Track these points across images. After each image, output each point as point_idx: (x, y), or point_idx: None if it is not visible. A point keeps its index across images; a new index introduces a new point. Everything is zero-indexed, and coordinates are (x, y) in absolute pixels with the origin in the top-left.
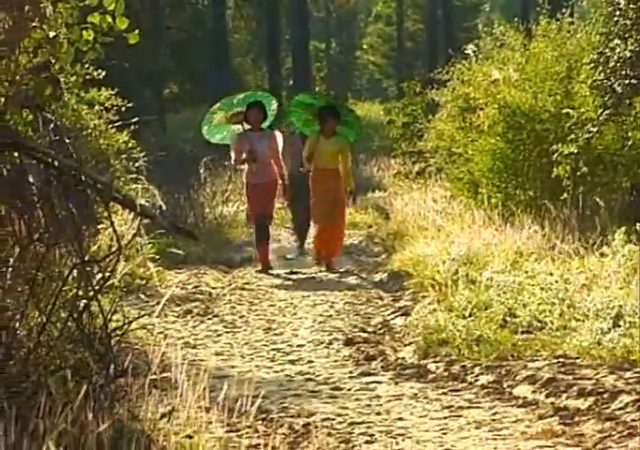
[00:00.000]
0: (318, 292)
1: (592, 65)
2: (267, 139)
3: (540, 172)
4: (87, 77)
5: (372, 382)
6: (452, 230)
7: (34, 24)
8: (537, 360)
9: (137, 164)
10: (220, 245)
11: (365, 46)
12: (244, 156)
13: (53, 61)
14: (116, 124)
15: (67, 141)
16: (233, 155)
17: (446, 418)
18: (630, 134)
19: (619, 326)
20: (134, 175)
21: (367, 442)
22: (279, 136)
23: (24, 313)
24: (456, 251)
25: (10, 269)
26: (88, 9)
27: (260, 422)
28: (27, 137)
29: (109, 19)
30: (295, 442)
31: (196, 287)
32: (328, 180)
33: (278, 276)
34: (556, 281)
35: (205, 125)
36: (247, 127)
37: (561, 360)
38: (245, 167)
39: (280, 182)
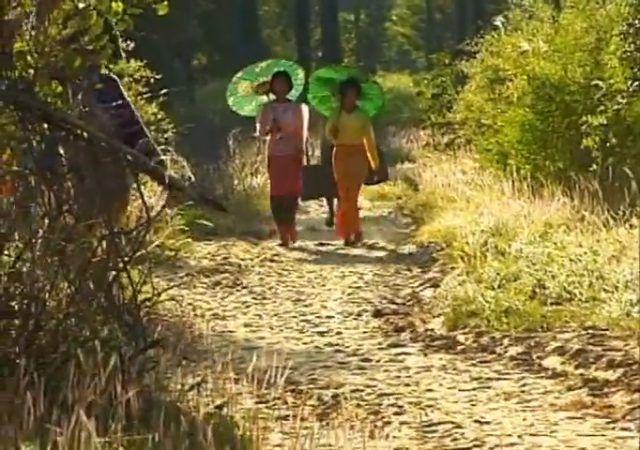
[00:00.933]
0: (347, 264)
1: (622, 36)
2: (292, 111)
3: (569, 144)
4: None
5: (400, 354)
6: (481, 201)
7: None
8: (566, 331)
9: (166, 135)
10: (250, 216)
11: (394, 17)
12: (268, 127)
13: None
14: (145, 95)
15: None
16: (258, 126)
17: (475, 389)
18: None
19: None
20: (163, 147)
21: (396, 413)
22: (305, 109)
23: (54, 284)
24: (485, 223)
25: (40, 240)
26: None
27: (289, 393)
28: (57, 108)
29: None
30: (324, 414)
31: (225, 258)
32: (352, 156)
33: (306, 248)
34: (585, 253)
35: (231, 96)
36: (272, 97)
37: (590, 331)
38: (267, 138)
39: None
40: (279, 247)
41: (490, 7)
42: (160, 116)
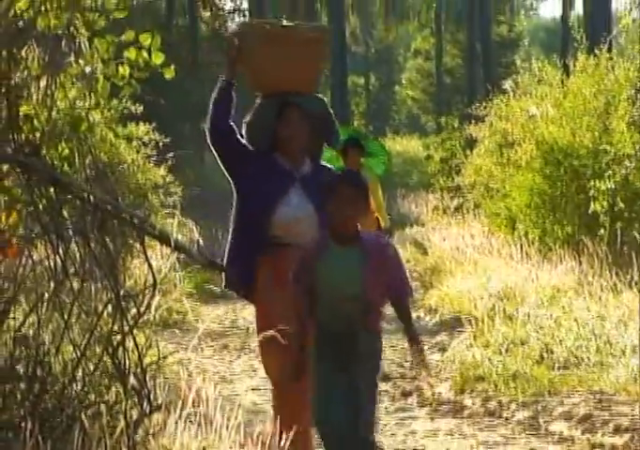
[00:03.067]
0: None
1: (629, 100)
2: None
3: (577, 208)
4: (125, 112)
5: (408, 418)
6: (490, 265)
7: (70, 60)
8: (573, 396)
9: (174, 198)
10: None
11: (404, 81)
12: None
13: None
14: (154, 159)
15: (103, 176)
16: None
17: None
18: None
19: None
20: (171, 210)
21: None
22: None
23: (59, 348)
24: (493, 287)
25: (46, 304)
26: (124, 45)
27: None
28: (63, 172)
29: (145, 54)
30: None
31: (233, 322)
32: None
33: None
34: (593, 317)
35: None
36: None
37: (597, 396)
38: None
39: None
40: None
41: (500, 70)
42: (168, 179)
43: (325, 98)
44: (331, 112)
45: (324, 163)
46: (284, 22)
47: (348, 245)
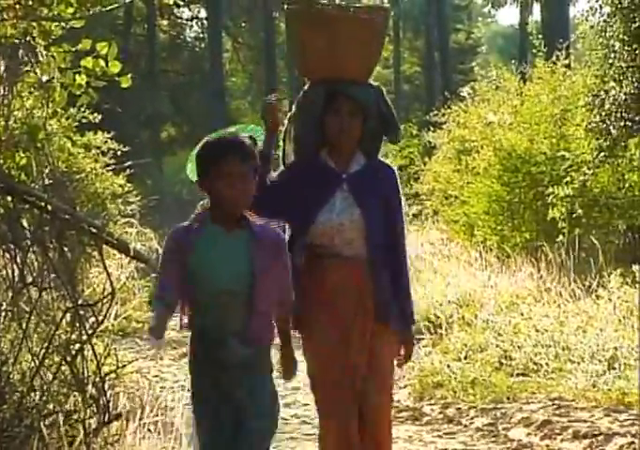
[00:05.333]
0: None
1: (587, 107)
2: None
3: (535, 215)
4: (83, 121)
5: None
6: (449, 272)
7: (27, 69)
8: (532, 402)
9: (132, 207)
10: None
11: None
12: None
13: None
14: (112, 167)
15: (61, 185)
16: None
17: None
18: (625, 176)
19: (614, 369)
20: (129, 219)
21: None
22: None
23: (18, 357)
24: (452, 293)
25: (4, 313)
26: (81, 53)
27: None
28: (21, 181)
29: (102, 63)
30: None
31: None
32: None
33: None
34: (552, 324)
35: (190, 162)
36: None
37: (556, 402)
38: None
39: None
40: None
41: (458, 77)
42: (126, 188)
43: (382, 88)
44: (389, 102)
45: (382, 159)
46: (337, 2)
47: (235, 228)
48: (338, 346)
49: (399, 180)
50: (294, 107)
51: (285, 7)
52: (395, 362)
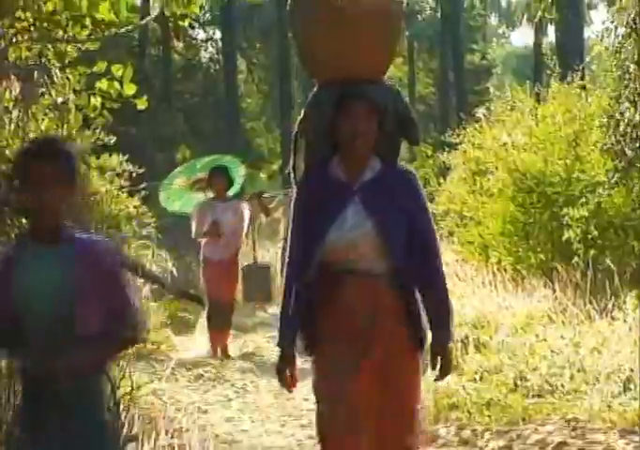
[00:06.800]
0: None
1: (602, 128)
2: (233, 210)
3: (550, 236)
4: (98, 142)
5: None
6: (464, 293)
7: (42, 91)
8: (547, 424)
9: (148, 229)
10: None
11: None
12: (205, 227)
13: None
14: (127, 189)
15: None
16: (193, 226)
17: None
18: None
19: (630, 390)
20: (144, 241)
21: None
22: (246, 208)
23: None
24: (467, 314)
25: None
26: (96, 75)
27: None
28: None
29: (117, 85)
30: None
31: (207, 351)
32: None
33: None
34: (567, 345)
35: (164, 190)
36: (210, 195)
37: (572, 424)
38: (204, 241)
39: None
40: (211, 358)
41: (473, 98)
42: (141, 210)
43: (397, 88)
44: (406, 102)
45: (403, 166)
46: None
47: (51, 242)
48: (349, 373)
49: (420, 185)
50: (302, 112)
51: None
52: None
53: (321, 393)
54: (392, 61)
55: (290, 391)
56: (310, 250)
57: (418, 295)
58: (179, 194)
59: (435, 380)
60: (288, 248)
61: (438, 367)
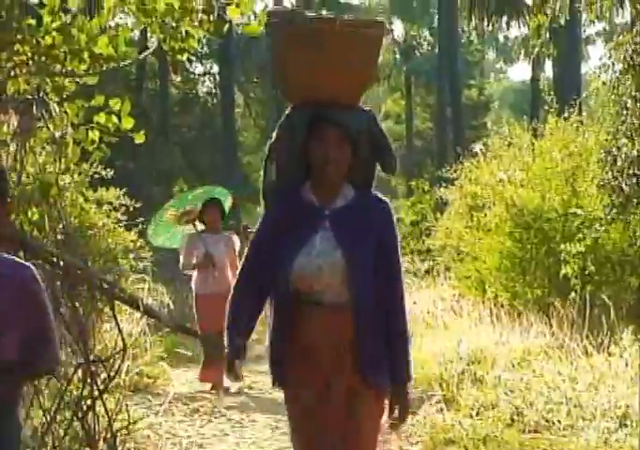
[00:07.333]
0: None
1: (599, 164)
2: (224, 242)
3: (547, 271)
4: (95, 176)
5: None
6: (460, 328)
7: (40, 124)
8: None
9: (145, 263)
10: None
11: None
12: (196, 260)
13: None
14: (124, 223)
15: (73, 240)
16: (182, 259)
17: None
18: (637, 233)
19: (626, 426)
20: (141, 274)
21: None
22: (236, 240)
23: (29, 413)
24: (464, 350)
25: None
26: (94, 109)
27: None
28: (33, 236)
29: (115, 119)
30: None
31: (204, 385)
32: None
33: None
34: (564, 380)
35: (152, 224)
36: (200, 227)
37: None
38: (194, 273)
39: None
40: (207, 393)
41: (470, 133)
42: (139, 244)
43: (374, 113)
44: (383, 129)
45: (376, 194)
46: (324, 14)
47: None
48: (315, 405)
49: (394, 215)
50: (274, 134)
51: (268, 20)
52: (387, 423)
53: (298, 442)
54: (369, 86)
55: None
56: (277, 274)
57: (380, 329)
58: (166, 228)
59: (391, 427)
60: (243, 258)
61: (396, 412)
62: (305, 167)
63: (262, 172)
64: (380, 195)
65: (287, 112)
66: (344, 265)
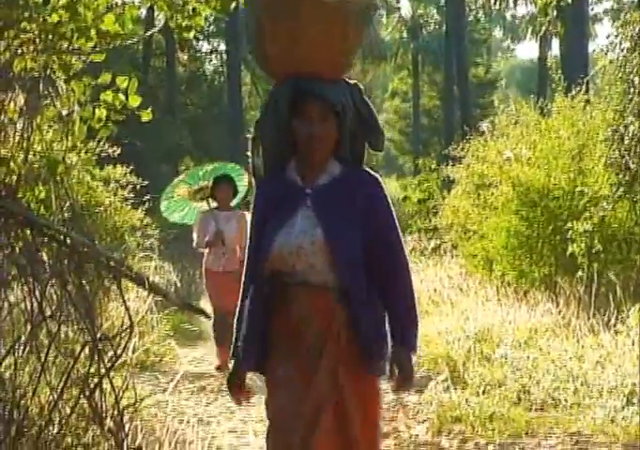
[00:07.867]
0: None
1: (606, 142)
2: (236, 220)
3: (554, 250)
4: (102, 154)
5: None
6: (467, 306)
7: (47, 102)
8: (550, 438)
9: (151, 241)
10: None
11: (381, 122)
12: (207, 237)
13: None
14: (132, 201)
15: (80, 218)
16: (195, 236)
17: None
18: None
19: (633, 404)
20: (148, 253)
21: None
22: (248, 217)
23: (36, 390)
24: (470, 328)
25: (22, 346)
26: (101, 87)
27: None
28: (40, 214)
29: (121, 97)
30: None
31: (211, 363)
32: None
33: None
34: (570, 358)
35: (165, 200)
36: (213, 204)
37: (575, 437)
38: (206, 251)
39: None
40: (216, 370)
41: (477, 111)
42: (145, 222)
43: (361, 86)
44: (369, 103)
45: (364, 168)
46: None
47: None
48: (298, 390)
49: (384, 190)
50: (259, 111)
51: None
52: (390, 386)
53: (270, 411)
54: (354, 58)
55: (240, 405)
56: (263, 256)
57: (374, 308)
58: (180, 204)
59: (392, 389)
60: (247, 247)
61: (395, 378)
62: (291, 144)
63: (249, 152)
64: (370, 170)
65: (270, 89)
66: (325, 243)
